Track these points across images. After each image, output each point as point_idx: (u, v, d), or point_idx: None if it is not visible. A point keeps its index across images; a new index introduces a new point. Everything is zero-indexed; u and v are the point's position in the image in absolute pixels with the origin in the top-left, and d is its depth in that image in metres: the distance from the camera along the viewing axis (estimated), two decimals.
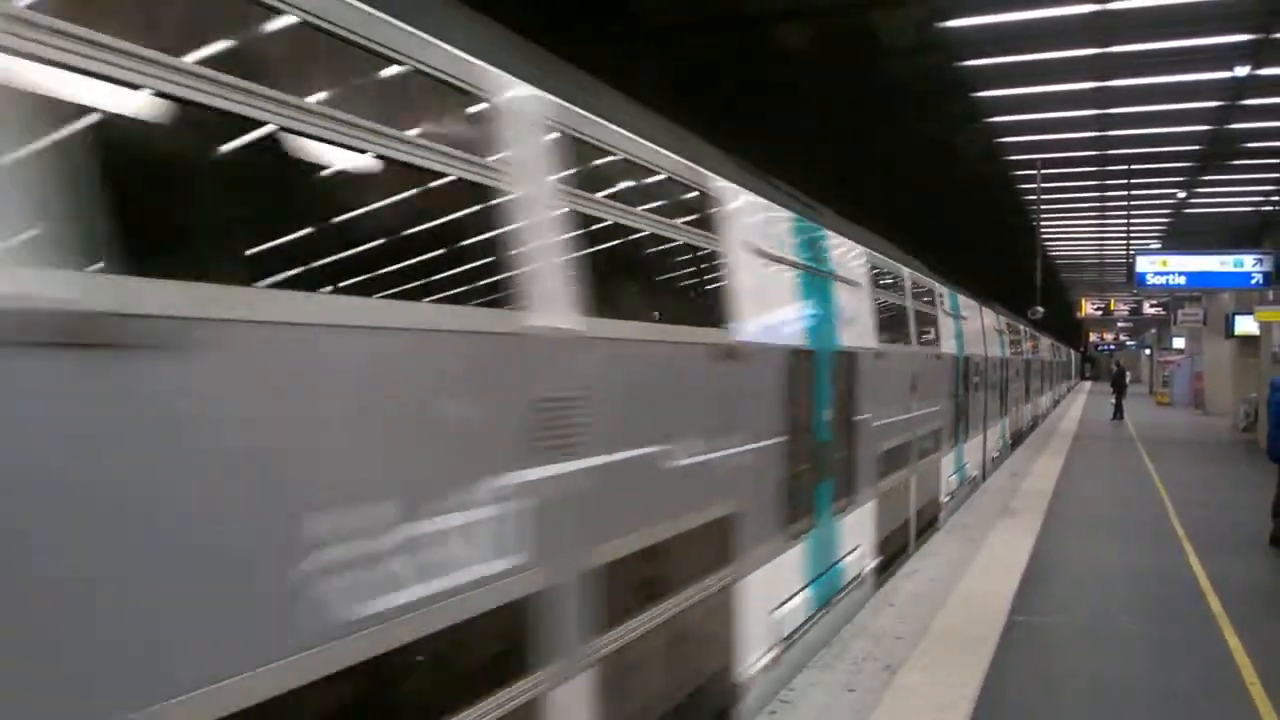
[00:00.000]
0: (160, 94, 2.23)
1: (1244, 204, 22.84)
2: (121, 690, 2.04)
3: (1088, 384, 78.47)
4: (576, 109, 4.17)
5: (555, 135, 3.95)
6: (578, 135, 4.14)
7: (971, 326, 16.57)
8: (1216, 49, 11.94)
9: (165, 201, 2.38)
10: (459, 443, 3.29)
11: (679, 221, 5.26)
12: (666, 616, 4.81)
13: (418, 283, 3.19)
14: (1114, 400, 36.77)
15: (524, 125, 3.73)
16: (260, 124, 2.51)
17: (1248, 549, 11.74)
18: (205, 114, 2.35)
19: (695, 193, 5.45)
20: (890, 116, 17.01)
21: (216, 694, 2.23)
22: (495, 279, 3.51)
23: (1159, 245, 28.13)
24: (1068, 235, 29.80)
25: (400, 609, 2.84)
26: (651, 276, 5.19)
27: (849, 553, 8.33)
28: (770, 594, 6.31)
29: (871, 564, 9.20)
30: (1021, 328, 27.42)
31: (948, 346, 14.06)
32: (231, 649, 2.30)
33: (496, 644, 3.54)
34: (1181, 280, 19.49)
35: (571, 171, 4.04)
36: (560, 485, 3.81)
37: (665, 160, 5.07)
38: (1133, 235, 23.97)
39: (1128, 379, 41.59)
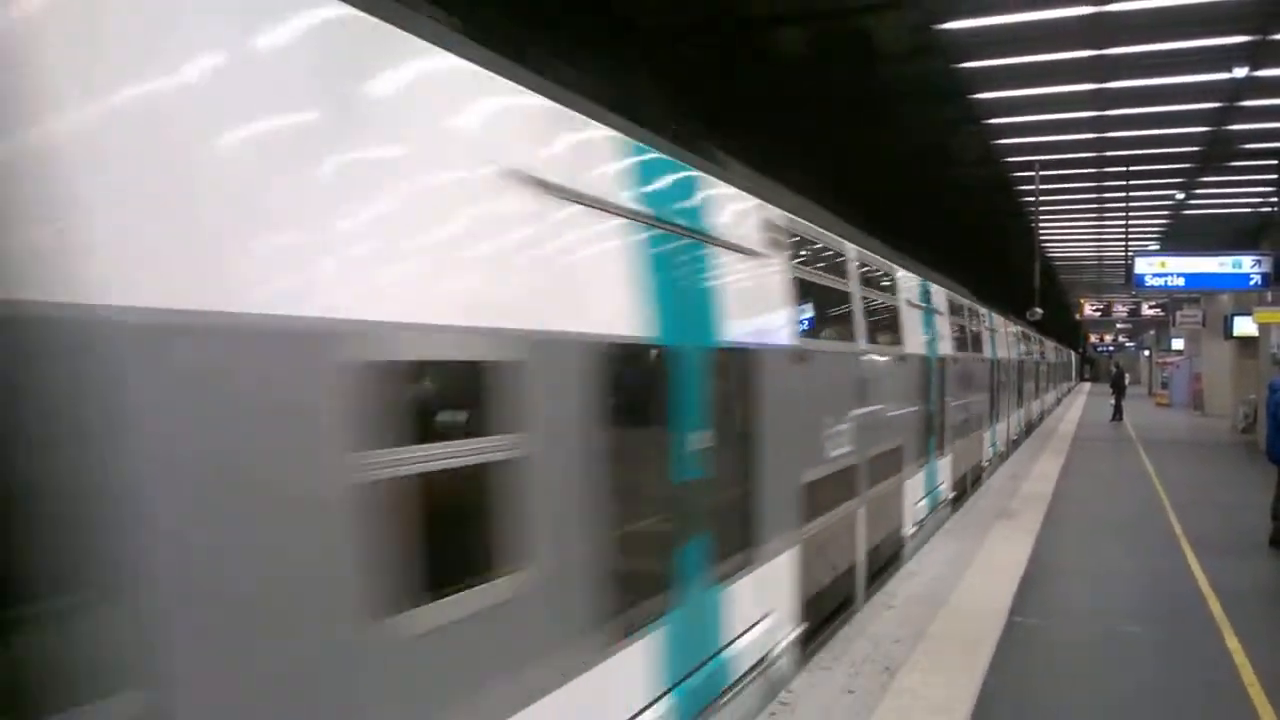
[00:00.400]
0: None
1: (1242, 205, 22.85)
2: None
3: (1087, 385, 78.46)
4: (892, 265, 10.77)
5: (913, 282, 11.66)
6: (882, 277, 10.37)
7: (999, 336, 21.05)
8: (1214, 50, 11.93)
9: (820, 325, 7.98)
10: (857, 397, 8.60)
11: (874, 291, 9.83)
12: (885, 490, 9.75)
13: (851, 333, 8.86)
14: (1113, 401, 36.82)
15: (907, 284, 11.24)
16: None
17: (1247, 551, 11.74)
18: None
19: (888, 278, 10.55)
20: (888, 119, 17.02)
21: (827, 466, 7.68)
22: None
23: (1158, 247, 28.20)
24: (1066, 237, 29.82)
25: (840, 456, 7.96)
26: (878, 320, 10.04)
27: (941, 483, 13.22)
28: (913, 494, 11.36)
29: (950, 495, 14.02)
30: (1031, 335, 32.29)
31: (986, 352, 18.46)
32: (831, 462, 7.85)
33: (848, 484, 8.30)
34: (1180, 281, 19.51)
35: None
36: (864, 418, 8.68)
37: (885, 265, 10.44)
38: (1131, 237, 23.97)
39: (1127, 380, 42.38)
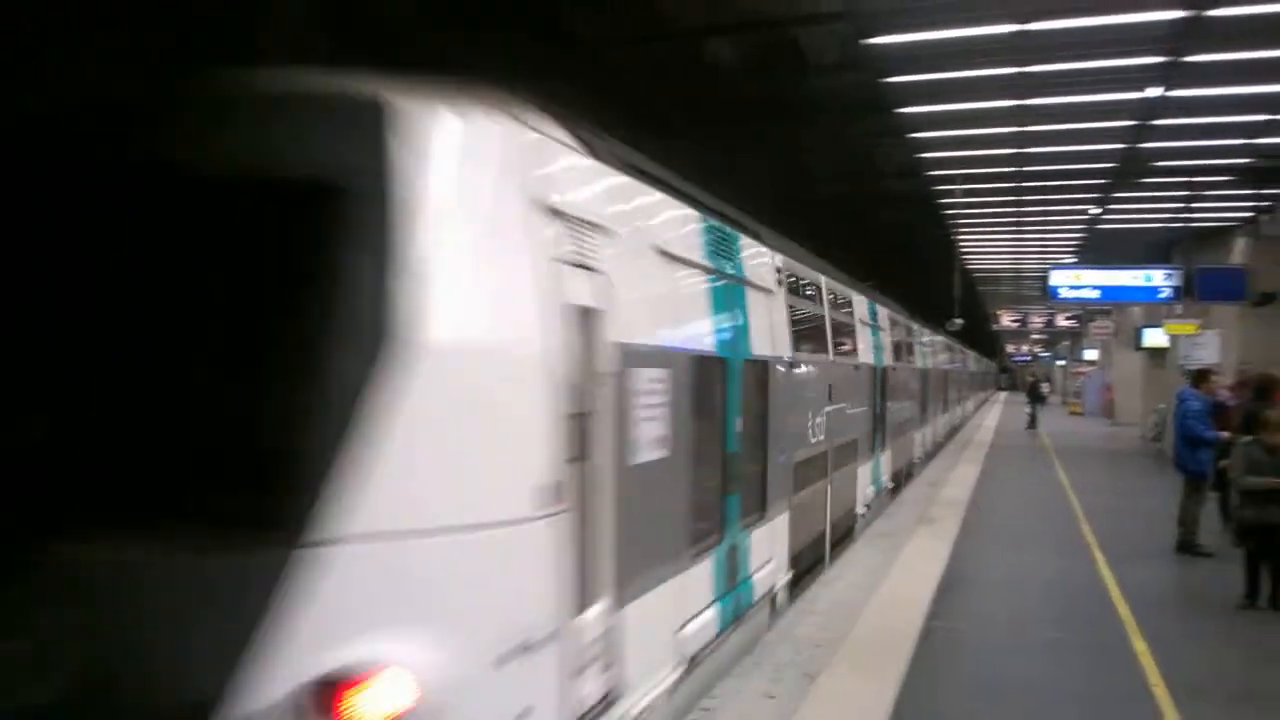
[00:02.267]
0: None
1: (1154, 221, 23.57)
2: None
3: (1004, 394, 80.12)
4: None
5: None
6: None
7: (941, 353, 27.58)
8: (1130, 70, 12.28)
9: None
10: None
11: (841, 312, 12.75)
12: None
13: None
14: (1029, 410, 37.77)
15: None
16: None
17: (1154, 556, 12.10)
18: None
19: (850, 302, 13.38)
20: (816, 131, 17.22)
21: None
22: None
23: (1073, 260, 28.98)
24: (985, 249, 30.45)
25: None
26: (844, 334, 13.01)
27: (904, 464, 18.38)
28: (865, 478, 14.10)
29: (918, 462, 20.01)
30: (967, 351, 40.19)
31: (927, 364, 23.67)
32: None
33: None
34: (1094, 294, 20.09)
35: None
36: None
37: (848, 292, 13.34)
38: (1048, 250, 24.56)
39: (1044, 389, 43.98)
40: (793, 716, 6.08)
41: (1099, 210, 22.43)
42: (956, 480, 18.90)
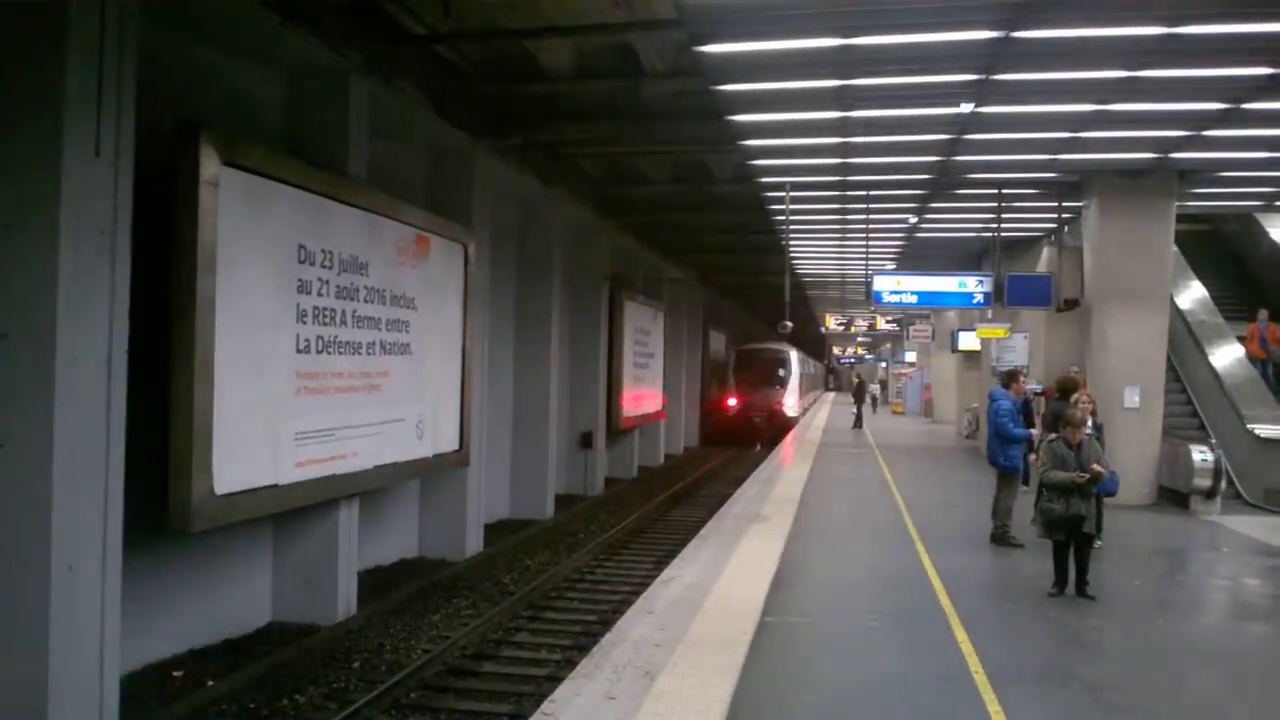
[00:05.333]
0: None
1: (967, 230, 24.70)
2: None
3: (831, 395, 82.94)
4: None
5: None
6: None
7: (807, 365, 57.00)
8: (946, 86, 12.79)
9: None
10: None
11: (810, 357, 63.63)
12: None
13: None
14: (855, 410, 39.30)
15: None
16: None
17: (971, 547, 12.73)
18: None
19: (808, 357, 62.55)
20: (651, 135, 17.39)
21: None
22: None
23: (894, 266, 30.10)
24: (813, 254, 31.35)
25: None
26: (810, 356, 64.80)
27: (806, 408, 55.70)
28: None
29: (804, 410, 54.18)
30: (811, 360, 60.27)
31: (810, 370, 63.59)
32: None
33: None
34: (913, 299, 20.88)
35: None
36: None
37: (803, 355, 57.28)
38: (871, 256, 25.42)
39: (876, 391, 54.67)
40: (633, 716, 6.11)
41: (917, 219, 23.37)
42: (788, 479, 19.41)
